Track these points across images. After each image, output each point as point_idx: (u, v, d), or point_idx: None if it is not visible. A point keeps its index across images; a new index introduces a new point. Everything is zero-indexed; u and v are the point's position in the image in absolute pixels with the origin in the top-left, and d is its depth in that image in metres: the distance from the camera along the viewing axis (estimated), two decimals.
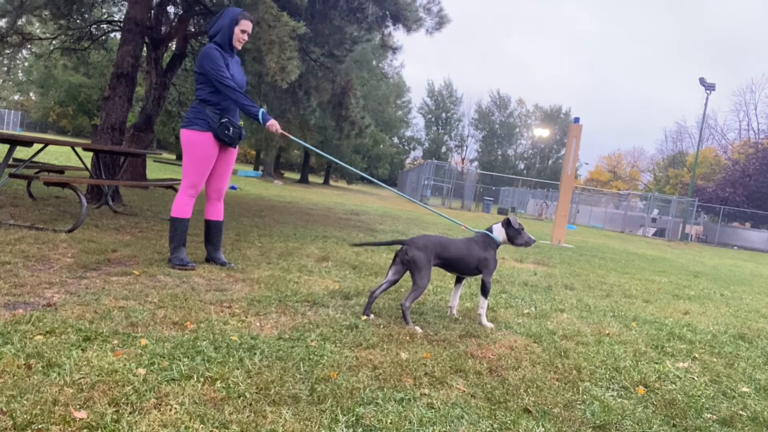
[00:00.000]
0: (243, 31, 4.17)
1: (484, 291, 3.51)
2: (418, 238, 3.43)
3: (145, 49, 9.39)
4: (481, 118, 70.91)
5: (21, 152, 9.72)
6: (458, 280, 3.71)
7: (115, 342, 2.41)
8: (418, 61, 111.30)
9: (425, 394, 2.27)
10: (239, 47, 4.25)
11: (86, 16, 11.27)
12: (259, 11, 6.49)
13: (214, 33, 4.17)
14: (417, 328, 3.20)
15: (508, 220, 3.58)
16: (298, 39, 7.57)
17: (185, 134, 4.11)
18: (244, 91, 4.33)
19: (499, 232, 3.57)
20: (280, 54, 6.75)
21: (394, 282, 3.49)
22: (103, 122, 7.73)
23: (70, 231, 4.89)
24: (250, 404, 1.99)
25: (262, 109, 4.05)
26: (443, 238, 3.55)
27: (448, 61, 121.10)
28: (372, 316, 3.34)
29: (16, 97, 58.74)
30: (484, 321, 3.51)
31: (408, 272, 3.41)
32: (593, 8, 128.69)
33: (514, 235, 3.57)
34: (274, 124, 4.09)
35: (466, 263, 3.49)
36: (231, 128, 4.13)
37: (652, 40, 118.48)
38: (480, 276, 3.55)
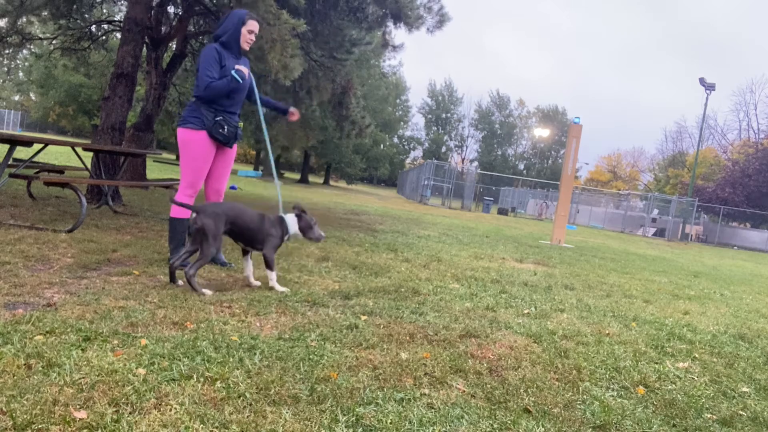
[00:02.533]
0: (250, 32, 4.15)
1: (267, 264, 3.73)
2: (208, 206, 3.60)
3: (145, 49, 9.38)
4: (481, 118, 70.94)
5: (21, 152, 9.73)
6: (245, 253, 3.82)
7: (115, 342, 2.41)
8: (417, 61, 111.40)
9: (425, 394, 2.27)
10: (247, 48, 4.21)
11: (86, 16, 11.27)
12: (259, 9, 6.50)
13: (221, 34, 4.16)
14: (207, 291, 3.43)
15: (301, 210, 3.82)
16: (298, 38, 7.57)
17: (180, 133, 4.10)
18: (245, 92, 4.31)
19: (292, 223, 3.79)
20: (282, 52, 6.76)
21: (193, 251, 3.61)
22: (103, 122, 7.73)
23: (70, 231, 4.89)
24: (250, 404, 1.99)
25: (232, 72, 3.98)
26: (237, 205, 3.74)
27: (449, 61, 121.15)
28: (180, 282, 3.55)
29: (16, 97, 58.75)
30: (276, 286, 3.73)
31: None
32: (593, 9, 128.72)
33: (304, 227, 3.80)
34: (240, 69, 4.01)
35: (253, 235, 3.68)
36: (225, 127, 4.10)
37: (653, 40, 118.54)
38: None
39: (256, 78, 9.38)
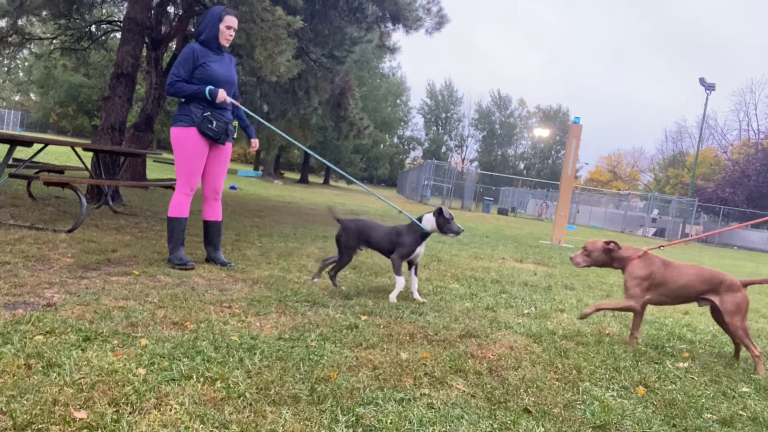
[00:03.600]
0: (228, 27, 4.17)
1: (394, 269, 3.90)
2: (346, 221, 4.07)
3: (145, 49, 9.38)
4: (481, 118, 70.91)
5: (21, 152, 9.72)
6: (409, 266, 4.03)
7: (115, 342, 2.41)
8: (418, 61, 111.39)
9: (425, 394, 2.27)
10: (227, 44, 4.23)
11: (86, 16, 11.26)
12: (254, 5, 6.47)
13: (200, 32, 4.19)
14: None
15: (439, 209, 3.87)
16: (297, 38, 7.55)
17: (172, 132, 4.16)
18: (232, 88, 4.30)
19: (428, 221, 3.85)
20: (273, 49, 6.72)
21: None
22: (103, 122, 7.73)
23: (70, 231, 4.89)
24: (250, 404, 1.99)
25: (208, 87, 4.06)
26: (369, 222, 4.11)
27: (448, 61, 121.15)
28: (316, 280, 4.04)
29: (16, 97, 58.72)
30: (392, 295, 3.84)
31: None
32: (592, 9, 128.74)
33: (443, 223, 3.84)
34: (222, 95, 4.08)
35: (386, 246, 3.95)
36: (214, 122, 4.12)
37: (653, 40, 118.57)
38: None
39: (253, 78, 9.37)
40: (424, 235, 3.88)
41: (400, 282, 3.83)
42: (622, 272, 3.47)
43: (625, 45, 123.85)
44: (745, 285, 3.29)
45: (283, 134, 5.09)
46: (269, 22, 6.57)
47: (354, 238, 3.97)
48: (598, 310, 3.46)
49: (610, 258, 3.44)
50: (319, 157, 4.75)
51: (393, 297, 3.80)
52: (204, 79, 4.08)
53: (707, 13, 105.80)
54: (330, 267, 4.12)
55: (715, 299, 3.30)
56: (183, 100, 4.15)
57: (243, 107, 4.47)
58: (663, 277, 3.32)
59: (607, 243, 3.44)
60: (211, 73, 4.10)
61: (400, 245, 3.86)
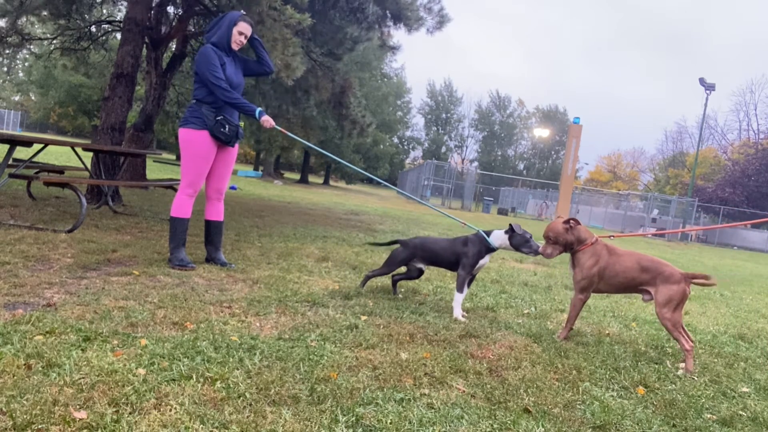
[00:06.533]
0: (240, 33, 4.17)
1: (456, 285, 3.72)
2: (406, 240, 4.05)
3: (145, 49, 9.37)
4: (481, 118, 70.93)
5: (21, 152, 9.70)
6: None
7: (115, 342, 2.41)
8: (413, 60, 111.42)
9: (425, 394, 2.27)
10: (236, 48, 4.25)
11: (86, 16, 11.25)
12: (261, 5, 6.45)
13: (212, 34, 4.19)
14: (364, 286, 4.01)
15: (512, 227, 3.66)
16: (299, 36, 7.53)
17: (182, 133, 4.14)
18: (240, 92, 4.33)
19: (497, 237, 3.68)
20: (284, 51, 6.70)
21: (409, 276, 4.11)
22: (102, 122, 7.73)
23: (70, 231, 4.89)
24: (250, 404, 1.99)
25: (259, 108, 4.13)
26: (427, 238, 4.05)
27: (447, 61, 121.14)
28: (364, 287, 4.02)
29: (16, 97, 58.70)
30: (456, 312, 3.63)
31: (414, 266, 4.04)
32: (589, 9, 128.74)
33: (520, 243, 3.62)
34: (268, 120, 4.15)
35: (444, 259, 3.84)
36: (227, 126, 4.13)
37: (653, 41, 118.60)
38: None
39: (253, 78, 9.39)
40: (489, 249, 3.70)
41: (458, 298, 3.64)
42: (572, 255, 3.41)
43: (626, 44, 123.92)
44: (689, 279, 3.22)
45: (313, 145, 5.09)
46: (280, 22, 6.53)
47: (407, 254, 3.89)
48: (569, 328, 3.41)
49: (572, 237, 3.38)
50: (355, 167, 4.84)
51: (457, 313, 3.59)
52: None
53: (707, 12, 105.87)
54: (399, 280, 4.12)
55: (652, 289, 3.23)
56: (194, 101, 4.14)
57: (288, 132, 4.66)
58: (606, 265, 3.30)
59: (566, 222, 3.39)
60: (227, 77, 4.11)
61: (465, 256, 3.68)
